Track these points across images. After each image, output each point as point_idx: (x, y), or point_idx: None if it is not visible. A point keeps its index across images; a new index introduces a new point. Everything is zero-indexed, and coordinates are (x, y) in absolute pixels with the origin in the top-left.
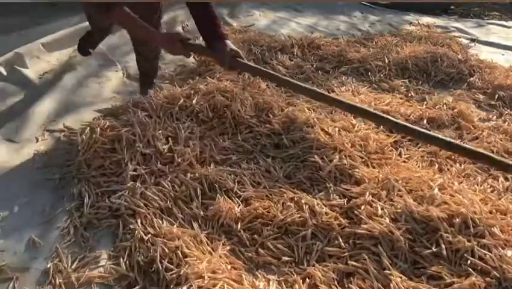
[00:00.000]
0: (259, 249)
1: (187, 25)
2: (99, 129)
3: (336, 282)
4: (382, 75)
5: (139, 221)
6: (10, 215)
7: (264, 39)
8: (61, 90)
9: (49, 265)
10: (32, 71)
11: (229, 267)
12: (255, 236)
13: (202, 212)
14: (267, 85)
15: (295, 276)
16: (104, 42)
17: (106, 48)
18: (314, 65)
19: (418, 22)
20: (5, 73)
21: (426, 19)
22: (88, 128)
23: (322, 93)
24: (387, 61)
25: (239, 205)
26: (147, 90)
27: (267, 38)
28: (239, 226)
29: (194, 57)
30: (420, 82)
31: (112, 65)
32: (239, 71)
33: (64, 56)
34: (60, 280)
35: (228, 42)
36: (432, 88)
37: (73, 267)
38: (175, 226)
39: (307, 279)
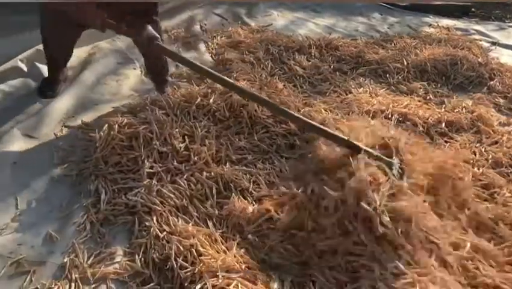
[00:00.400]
0: (270, 252)
1: (205, 24)
2: (116, 126)
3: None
4: (400, 77)
5: (155, 218)
6: (28, 209)
7: (281, 39)
8: (80, 86)
9: (65, 260)
10: None
11: (243, 266)
12: (265, 240)
13: (216, 211)
14: (284, 86)
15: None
16: (123, 38)
17: (125, 46)
18: (332, 66)
19: (438, 24)
20: (25, 69)
21: (446, 21)
22: (106, 125)
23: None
24: (405, 63)
25: (253, 205)
26: (164, 88)
27: (285, 38)
28: (250, 228)
29: (211, 56)
30: (439, 85)
31: (131, 63)
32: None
33: (83, 54)
34: (76, 275)
35: (149, 26)
36: (451, 92)
37: (89, 262)
38: (190, 224)
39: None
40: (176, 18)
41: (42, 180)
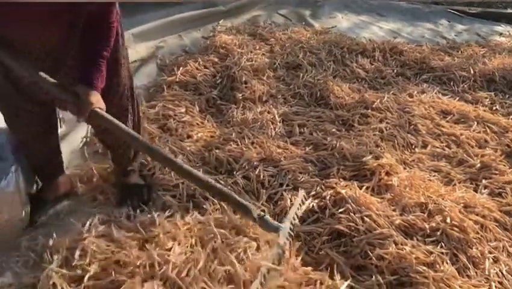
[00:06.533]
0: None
1: (269, 24)
2: None
3: None
4: (466, 86)
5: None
6: None
7: (345, 41)
8: (143, 78)
9: None
10: None
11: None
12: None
13: (271, 207)
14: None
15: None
16: (188, 34)
17: (189, 42)
18: (395, 71)
19: (510, 33)
20: None
21: None
22: None
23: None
24: (472, 71)
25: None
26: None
27: (348, 40)
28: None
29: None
30: (507, 96)
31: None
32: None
33: (151, 48)
34: None
35: (95, 93)
36: None
37: None
38: None
39: None
40: (240, 18)
41: None
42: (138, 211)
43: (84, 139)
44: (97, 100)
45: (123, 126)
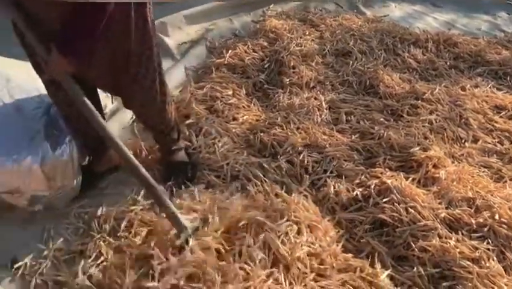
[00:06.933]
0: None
1: (320, 10)
2: None
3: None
4: None
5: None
6: None
7: (397, 31)
8: (191, 59)
9: None
10: (173, 40)
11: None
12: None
13: (314, 192)
14: None
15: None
16: (239, 18)
17: (240, 26)
18: (448, 63)
19: None
20: None
21: None
22: None
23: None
24: None
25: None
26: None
27: (401, 30)
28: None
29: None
30: None
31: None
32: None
33: (201, 29)
34: None
35: (64, 56)
36: None
37: None
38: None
39: None
40: (291, 3)
41: None
42: (182, 187)
43: (134, 116)
44: (64, 63)
45: (82, 98)
